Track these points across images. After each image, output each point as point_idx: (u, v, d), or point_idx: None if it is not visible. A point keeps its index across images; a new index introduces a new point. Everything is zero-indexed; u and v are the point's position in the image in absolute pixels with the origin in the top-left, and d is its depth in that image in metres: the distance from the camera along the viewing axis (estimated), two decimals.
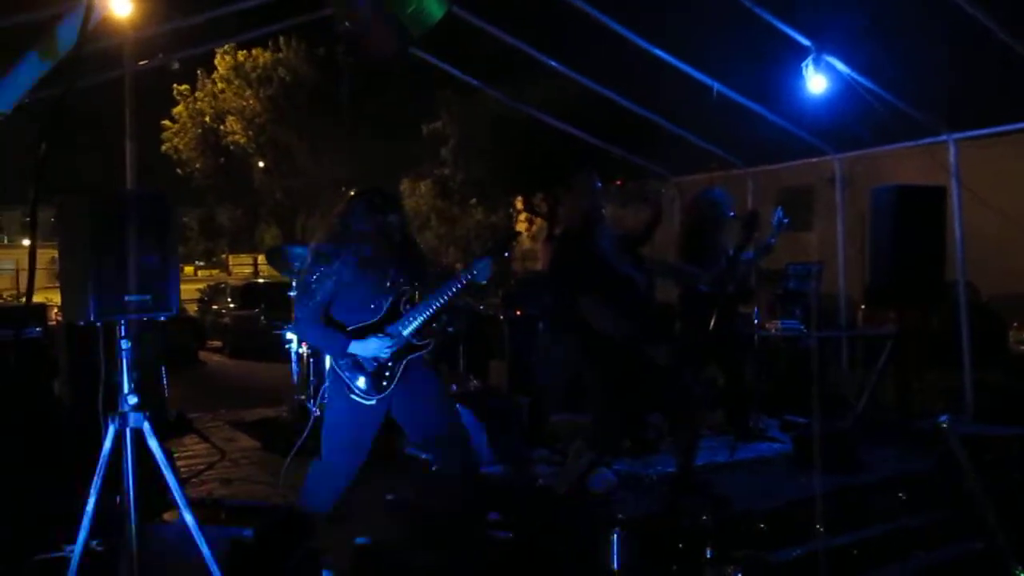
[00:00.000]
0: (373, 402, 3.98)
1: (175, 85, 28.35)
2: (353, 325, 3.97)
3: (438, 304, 4.02)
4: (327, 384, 4.13)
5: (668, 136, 8.65)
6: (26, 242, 48.88)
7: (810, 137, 8.09)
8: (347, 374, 3.96)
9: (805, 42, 6.32)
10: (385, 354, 3.95)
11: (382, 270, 4.01)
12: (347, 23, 4.42)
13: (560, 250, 4.92)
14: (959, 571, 4.27)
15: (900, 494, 5.24)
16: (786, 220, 6.28)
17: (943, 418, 5.14)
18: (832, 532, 4.49)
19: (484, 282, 4.09)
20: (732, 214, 6.28)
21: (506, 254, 4.36)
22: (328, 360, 4.14)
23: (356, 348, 3.93)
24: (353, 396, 3.96)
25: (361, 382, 3.96)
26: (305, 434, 5.02)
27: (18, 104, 4.03)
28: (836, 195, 8.78)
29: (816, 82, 6.41)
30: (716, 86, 7.14)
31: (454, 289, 4.02)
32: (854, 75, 6.55)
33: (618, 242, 4.84)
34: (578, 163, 5.49)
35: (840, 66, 6.47)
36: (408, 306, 4.05)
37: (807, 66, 6.37)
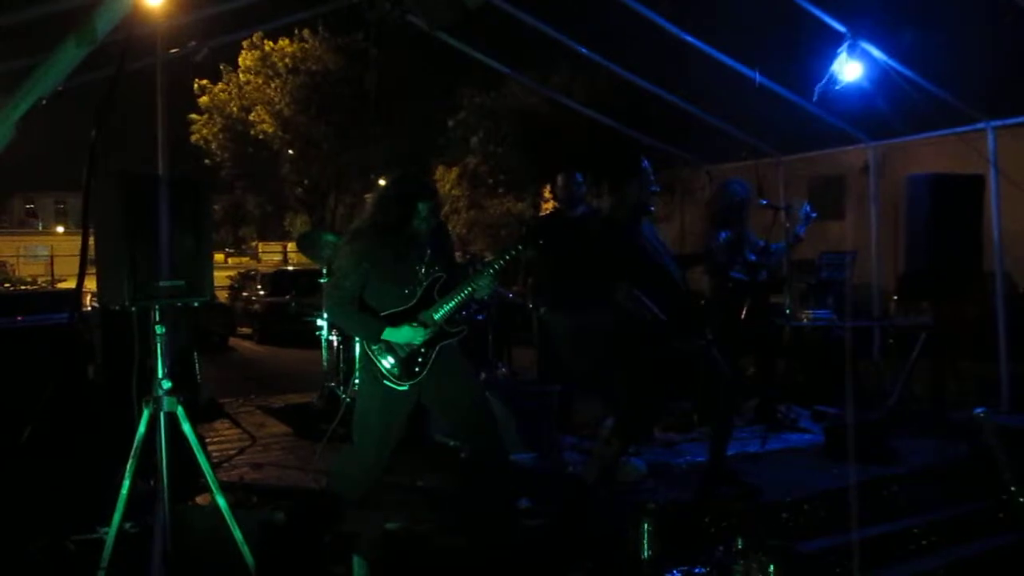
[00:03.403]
0: (405, 388, 3.99)
1: (196, 79, 28.55)
2: (386, 311, 3.98)
3: (469, 290, 4.02)
4: (360, 369, 4.15)
5: (700, 124, 8.59)
6: (60, 229, 49.61)
7: (844, 125, 7.99)
8: (380, 360, 3.97)
9: (841, 28, 6.24)
10: (418, 341, 3.96)
11: (416, 257, 4.02)
12: None
13: (603, 236, 4.88)
14: (993, 563, 4.21)
15: (934, 486, 5.18)
16: (814, 214, 6.21)
17: (979, 410, 5.08)
18: (864, 523, 4.45)
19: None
20: (765, 202, 6.23)
21: (540, 241, 4.37)
22: (359, 346, 4.15)
23: (390, 335, 3.94)
24: (386, 382, 3.98)
25: (394, 368, 3.97)
26: (336, 421, 5.05)
27: (54, 92, 4.07)
28: (870, 184, 8.68)
29: (851, 69, 6.32)
30: (757, 77, 7.06)
31: (487, 275, 4.02)
32: (890, 62, 6.46)
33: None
34: (631, 153, 5.45)
35: (876, 53, 6.37)
36: (440, 293, 4.05)
37: (842, 52, 6.28)
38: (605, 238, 4.79)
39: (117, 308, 3.50)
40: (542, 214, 5.86)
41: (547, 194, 24.92)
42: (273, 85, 27.74)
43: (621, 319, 4.64)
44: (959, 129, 7.31)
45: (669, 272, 4.75)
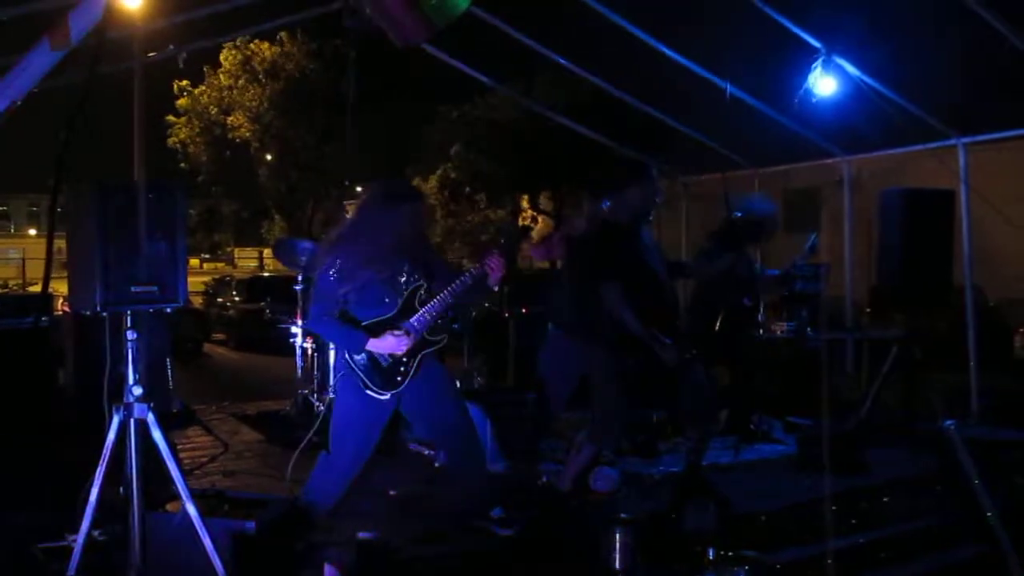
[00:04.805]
0: (386, 397, 3.97)
1: (176, 81, 28.37)
2: (368, 320, 3.95)
3: (450, 299, 4.01)
4: (338, 378, 4.12)
5: (676, 135, 8.64)
6: (32, 232, 49.04)
7: (819, 139, 8.07)
8: (362, 369, 3.94)
9: (816, 44, 6.31)
10: (402, 350, 3.94)
11: (397, 264, 4.00)
12: (369, 12, 4.40)
13: (600, 239, 4.91)
14: (962, 575, 4.25)
15: (904, 497, 5.23)
16: (818, 245, 6.30)
17: (948, 422, 5.13)
18: (835, 534, 4.48)
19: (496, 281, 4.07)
20: (739, 214, 6.27)
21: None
22: (335, 354, 4.13)
23: (374, 346, 3.91)
24: (368, 391, 3.95)
25: (376, 377, 3.94)
26: (313, 430, 5.02)
27: (28, 94, 4.04)
28: (844, 197, 8.77)
29: (825, 84, 6.39)
30: (729, 88, 7.12)
31: (466, 283, 4.01)
32: (864, 77, 6.54)
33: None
34: (638, 159, 5.49)
35: (850, 68, 6.45)
36: (421, 301, 4.04)
37: (816, 68, 6.35)
38: (604, 239, 4.82)
39: (88, 313, 3.47)
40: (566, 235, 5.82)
41: (525, 203, 25.04)
42: (252, 90, 27.63)
43: (598, 324, 4.66)
44: (931, 145, 7.41)
45: (661, 282, 4.79)
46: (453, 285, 4.00)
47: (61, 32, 3.31)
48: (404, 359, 3.98)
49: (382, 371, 3.95)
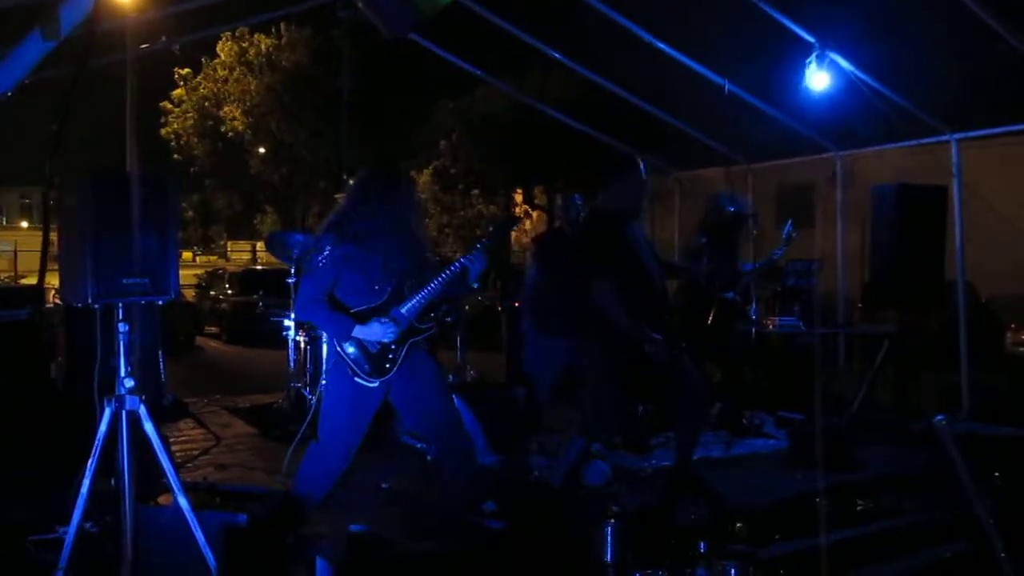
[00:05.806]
0: (376, 384, 3.98)
1: (176, 69, 28.34)
2: (357, 307, 3.97)
3: (440, 286, 4.02)
4: (328, 366, 4.12)
5: (670, 130, 8.64)
6: (24, 224, 48.89)
7: (812, 134, 8.08)
8: (350, 356, 3.96)
9: (809, 39, 6.31)
10: (389, 338, 3.96)
11: (388, 251, 4.00)
12: (358, 1, 4.39)
13: (592, 229, 4.89)
14: (951, 571, 4.27)
15: (894, 493, 5.24)
16: (795, 234, 6.31)
17: (939, 417, 5.15)
18: (825, 529, 4.49)
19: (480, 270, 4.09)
20: (733, 208, 6.29)
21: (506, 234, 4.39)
22: (327, 342, 4.14)
23: (361, 332, 3.93)
24: (357, 379, 3.96)
25: (364, 364, 3.96)
26: (306, 423, 5.02)
27: (19, 85, 4.02)
28: (837, 192, 8.78)
29: (819, 79, 6.40)
30: (727, 85, 7.12)
31: (455, 272, 4.03)
32: (857, 73, 6.54)
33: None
34: (628, 155, 5.52)
35: (844, 63, 6.46)
36: (411, 289, 4.05)
37: (810, 63, 6.35)
38: (593, 228, 4.80)
39: (80, 305, 3.46)
40: (540, 233, 5.88)
41: (518, 197, 25.04)
42: (246, 82, 27.57)
43: (588, 317, 4.66)
44: (924, 140, 7.42)
45: (651, 276, 4.78)
46: (442, 274, 4.02)
47: (52, 22, 3.30)
48: (392, 346, 3.99)
49: (371, 358, 3.96)
